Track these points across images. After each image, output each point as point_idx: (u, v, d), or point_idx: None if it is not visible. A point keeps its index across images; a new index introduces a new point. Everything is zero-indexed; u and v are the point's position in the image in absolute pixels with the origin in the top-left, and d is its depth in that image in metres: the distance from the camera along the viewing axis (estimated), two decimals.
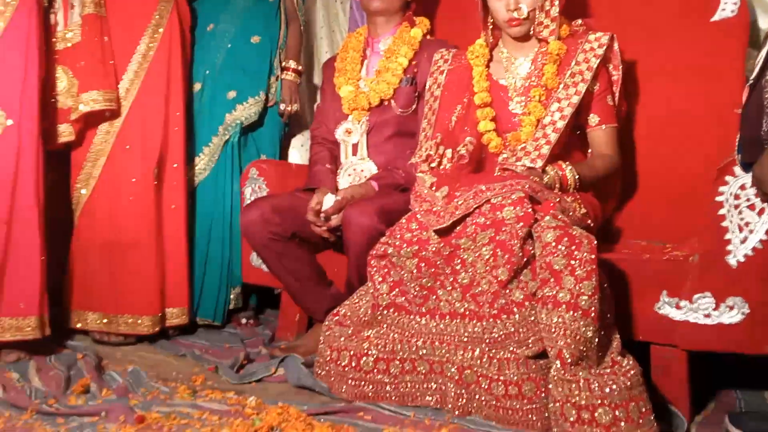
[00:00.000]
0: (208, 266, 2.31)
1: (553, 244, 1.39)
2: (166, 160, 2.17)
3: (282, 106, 2.44)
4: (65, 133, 2.06)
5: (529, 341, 1.43)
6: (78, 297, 2.10)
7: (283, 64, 2.48)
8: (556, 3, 1.77)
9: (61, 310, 2.10)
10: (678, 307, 1.55)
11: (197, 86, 2.38)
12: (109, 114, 2.09)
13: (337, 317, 1.69)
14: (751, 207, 1.47)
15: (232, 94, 2.38)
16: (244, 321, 2.36)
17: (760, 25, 2.08)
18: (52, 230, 1.97)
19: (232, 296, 2.36)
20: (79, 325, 2.11)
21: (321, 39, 2.95)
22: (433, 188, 1.66)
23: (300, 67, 2.52)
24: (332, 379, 1.64)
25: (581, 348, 1.33)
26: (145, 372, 1.78)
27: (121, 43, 2.12)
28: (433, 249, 1.54)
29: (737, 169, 1.49)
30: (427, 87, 2.03)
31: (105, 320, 2.09)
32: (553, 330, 1.35)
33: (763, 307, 1.46)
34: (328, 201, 1.92)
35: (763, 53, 1.35)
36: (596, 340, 1.36)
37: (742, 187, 1.49)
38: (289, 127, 2.58)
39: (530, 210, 1.44)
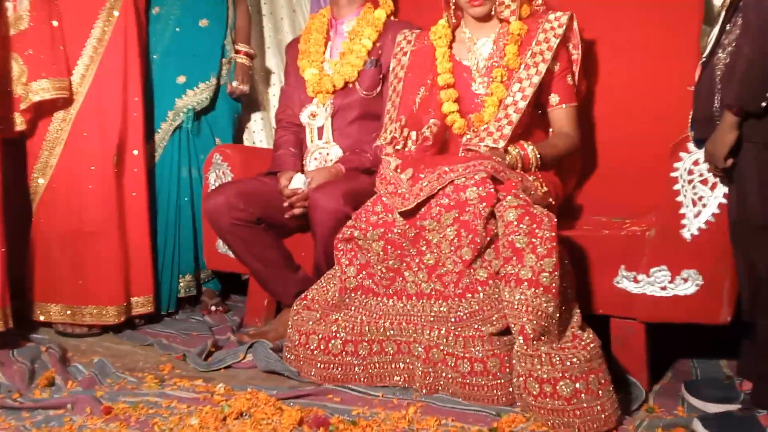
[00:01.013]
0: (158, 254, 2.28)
1: (515, 223, 1.42)
2: (126, 146, 2.13)
3: (234, 83, 2.40)
4: (18, 122, 2.00)
5: (493, 318, 1.46)
6: (40, 289, 2.06)
7: (235, 47, 2.44)
8: None
9: (23, 303, 2.06)
10: (636, 281, 1.59)
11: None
12: (63, 102, 2.03)
13: (305, 301, 1.70)
14: (704, 182, 1.52)
15: (181, 79, 2.34)
16: (212, 308, 2.34)
17: (714, 1, 2.13)
18: (10, 221, 1.93)
19: (181, 284, 2.34)
20: (42, 318, 2.07)
21: (282, 20, 2.91)
22: (398, 170, 1.66)
23: (251, 50, 2.48)
24: (301, 363, 1.65)
25: (543, 324, 1.37)
26: (111, 363, 1.76)
27: (73, 27, 2.05)
28: (399, 231, 1.55)
29: (690, 146, 1.54)
30: (390, 69, 2.03)
31: (69, 312, 2.05)
32: (515, 307, 1.38)
33: (716, 278, 1.51)
34: (297, 181, 1.91)
35: (715, 31, 1.38)
36: (557, 315, 1.39)
37: (695, 163, 1.53)
38: (241, 110, 2.54)
39: (492, 190, 1.46)
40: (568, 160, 1.93)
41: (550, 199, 1.73)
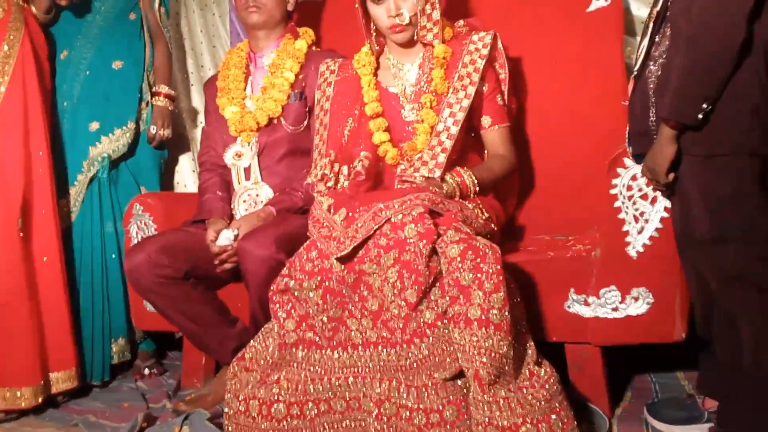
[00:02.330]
0: (83, 321, 2.08)
1: (458, 258, 1.34)
2: (32, 206, 1.93)
3: (152, 130, 2.25)
4: None
5: (446, 363, 1.37)
6: None
7: (154, 88, 2.29)
8: (437, 6, 1.73)
9: None
10: (587, 304, 1.55)
11: (55, 120, 2.15)
12: None
13: (243, 362, 1.56)
14: (644, 197, 1.49)
15: (95, 126, 2.17)
16: (146, 371, 2.16)
17: (633, 11, 2.15)
18: None
19: (114, 349, 2.15)
20: None
21: (202, 55, 2.78)
22: (331, 211, 1.56)
23: (172, 92, 2.34)
24: None
25: (498, 365, 1.29)
26: None
27: None
28: (337, 277, 1.44)
29: (627, 161, 1.51)
30: (315, 101, 1.93)
31: None
32: (467, 349, 1.30)
33: (666, 295, 1.48)
34: (224, 238, 1.77)
35: (644, 45, 1.36)
36: (512, 353, 1.32)
37: (633, 178, 1.50)
38: (168, 153, 2.39)
39: (432, 226, 1.38)
40: (506, 182, 1.88)
41: (492, 225, 1.67)
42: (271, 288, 1.52)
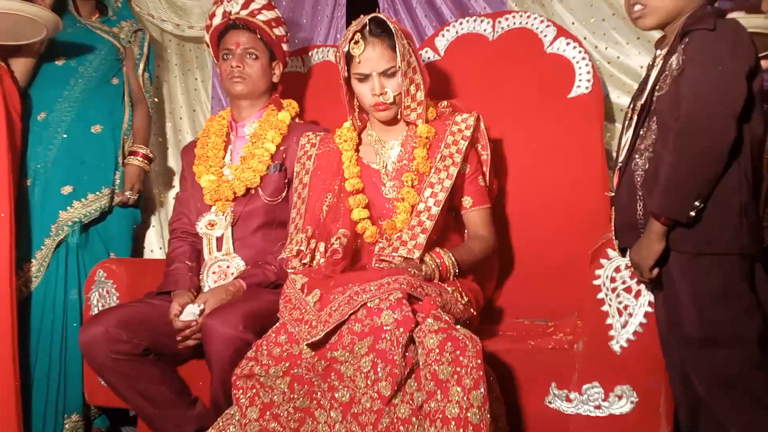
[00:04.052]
0: (35, 393, 1.94)
1: (437, 350, 1.27)
2: None
3: (128, 194, 2.19)
4: None
5: None
6: None
7: (131, 148, 2.24)
8: (422, 87, 1.73)
9: None
10: (568, 400, 1.47)
11: (27, 182, 2.08)
12: None
13: None
14: (628, 290, 1.45)
15: (67, 189, 2.10)
16: None
17: (612, 99, 2.20)
18: None
19: (67, 426, 2.00)
20: None
21: (181, 119, 2.75)
22: (304, 291, 1.49)
23: (150, 153, 2.29)
24: None
25: None
26: None
27: None
28: (307, 364, 1.36)
29: (611, 252, 1.48)
30: (295, 173, 1.89)
31: None
32: None
33: (651, 393, 1.42)
34: (189, 313, 1.68)
35: (627, 137, 1.35)
36: None
37: (617, 270, 1.47)
38: (141, 219, 2.32)
39: (410, 313, 1.32)
40: (486, 264, 1.84)
41: (472, 310, 1.62)
42: (235, 372, 1.42)
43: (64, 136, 2.13)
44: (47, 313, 2.01)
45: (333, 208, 1.77)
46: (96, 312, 1.91)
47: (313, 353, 1.37)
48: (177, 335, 1.70)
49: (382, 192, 1.77)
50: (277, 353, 1.38)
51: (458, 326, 1.34)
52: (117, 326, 1.64)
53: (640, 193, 1.29)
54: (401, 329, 1.30)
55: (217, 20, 2.05)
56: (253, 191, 1.95)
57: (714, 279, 1.19)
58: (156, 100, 2.46)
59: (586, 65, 2.03)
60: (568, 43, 2.06)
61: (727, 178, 1.18)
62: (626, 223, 1.34)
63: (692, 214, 1.18)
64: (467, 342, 1.28)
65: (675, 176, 1.18)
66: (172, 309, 1.71)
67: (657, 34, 2.10)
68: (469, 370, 1.24)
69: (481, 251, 1.75)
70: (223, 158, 2.01)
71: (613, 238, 1.41)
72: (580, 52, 2.04)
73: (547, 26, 2.10)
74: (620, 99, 2.20)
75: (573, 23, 2.23)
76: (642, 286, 1.43)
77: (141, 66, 2.35)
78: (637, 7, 1.30)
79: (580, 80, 2.04)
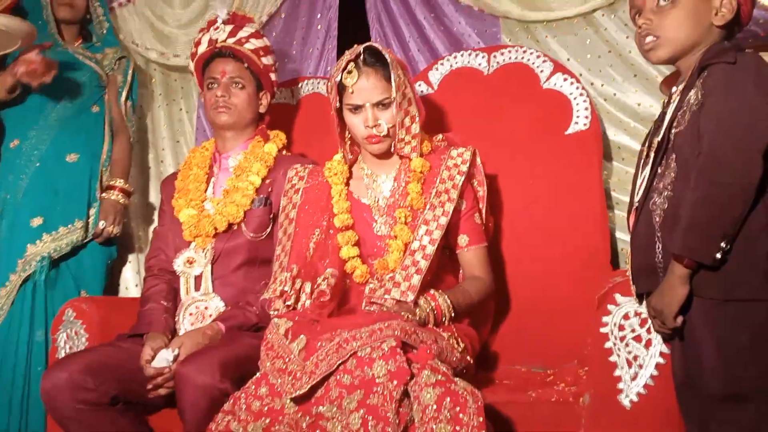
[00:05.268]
0: None
1: (434, 406, 1.16)
2: None
3: (101, 225, 2.07)
4: None
5: None
6: None
7: (108, 182, 2.13)
8: (417, 119, 1.66)
9: None
10: None
11: None
12: None
13: None
14: (637, 339, 1.36)
15: (37, 221, 1.99)
16: None
17: (609, 136, 2.15)
18: None
19: None
20: None
21: (164, 150, 2.65)
22: (288, 337, 1.37)
23: (128, 187, 2.18)
24: None
25: None
26: None
27: None
28: (289, 421, 1.24)
29: (618, 297, 1.39)
30: (281, 208, 1.79)
31: None
32: None
33: None
34: (162, 359, 1.54)
35: (644, 175, 1.27)
36: None
37: (626, 317, 1.37)
38: (116, 255, 2.19)
39: (404, 364, 1.21)
40: (481, 306, 1.74)
41: (468, 357, 1.52)
42: (210, 426, 1.30)
43: (38, 164, 2.04)
44: (9, 356, 1.89)
45: (320, 246, 1.67)
46: (63, 355, 1.77)
47: (297, 408, 1.25)
48: (148, 383, 1.56)
49: (374, 229, 1.68)
50: (256, 408, 1.25)
51: (457, 379, 1.24)
52: (82, 372, 1.51)
53: (659, 234, 1.20)
54: (395, 382, 1.19)
55: (202, 48, 1.97)
56: (235, 227, 1.85)
57: (743, 328, 1.10)
58: (135, 129, 2.36)
59: (584, 101, 1.98)
60: (565, 79, 2.02)
61: (754, 217, 1.10)
62: (644, 267, 1.24)
63: (718, 256, 1.09)
64: (468, 397, 1.17)
65: (699, 214, 1.10)
66: (143, 354, 1.58)
67: (655, 72, 2.10)
68: (470, 429, 1.13)
69: (477, 293, 1.66)
70: (205, 191, 1.92)
71: (631, 283, 1.31)
72: (577, 88, 2.00)
73: (544, 61, 2.06)
74: (617, 137, 2.16)
75: (568, 59, 2.19)
76: (653, 335, 1.33)
77: (124, 94, 2.27)
78: (649, 39, 1.24)
79: (578, 116, 1.99)
